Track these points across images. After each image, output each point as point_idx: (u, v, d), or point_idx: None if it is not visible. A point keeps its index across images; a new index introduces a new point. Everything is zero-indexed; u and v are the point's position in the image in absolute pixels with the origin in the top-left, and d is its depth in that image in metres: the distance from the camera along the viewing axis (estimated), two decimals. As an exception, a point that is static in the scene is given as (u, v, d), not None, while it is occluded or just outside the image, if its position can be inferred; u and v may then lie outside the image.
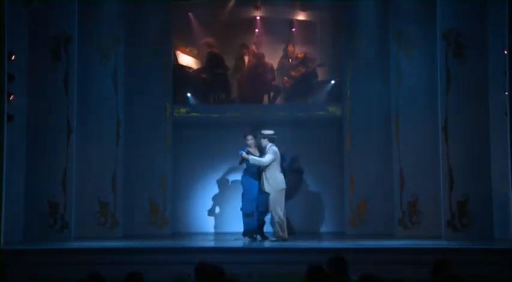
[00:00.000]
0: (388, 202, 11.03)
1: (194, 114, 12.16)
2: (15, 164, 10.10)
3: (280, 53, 12.67)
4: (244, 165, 10.32)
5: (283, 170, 10.25)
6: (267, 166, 10.01)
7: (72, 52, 10.61)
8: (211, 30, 12.45)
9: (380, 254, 8.82)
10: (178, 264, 8.04)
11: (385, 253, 8.87)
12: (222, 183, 12.09)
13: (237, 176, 10.66)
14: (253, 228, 10.18)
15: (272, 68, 12.45)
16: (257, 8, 12.48)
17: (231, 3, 12.32)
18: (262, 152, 10.26)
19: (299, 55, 12.39)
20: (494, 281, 7.92)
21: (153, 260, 8.63)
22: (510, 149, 9.09)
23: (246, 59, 12.58)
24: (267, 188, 10.01)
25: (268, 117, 11.82)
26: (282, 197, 10.06)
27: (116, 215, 11.04)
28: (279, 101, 12.59)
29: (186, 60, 12.88)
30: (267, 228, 10.60)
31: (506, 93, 9.20)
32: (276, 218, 10.01)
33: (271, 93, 12.59)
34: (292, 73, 12.39)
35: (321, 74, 12.47)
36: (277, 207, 9.97)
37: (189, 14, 12.43)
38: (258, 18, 12.59)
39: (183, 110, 12.07)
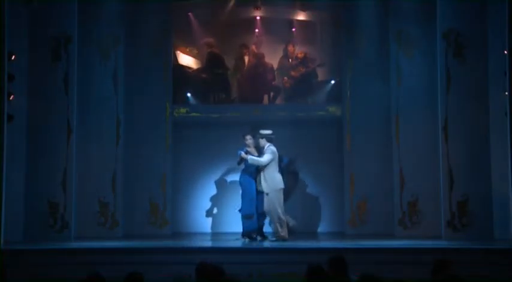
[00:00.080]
0: (388, 202, 11.03)
1: (194, 114, 12.16)
2: (15, 164, 10.10)
3: (280, 53, 12.67)
4: (242, 166, 10.32)
5: (281, 170, 10.25)
6: (265, 166, 10.01)
7: (72, 52, 10.62)
8: (211, 30, 12.44)
9: (380, 254, 8.82)
10: (178, 264, 8.04)
11: (385, 253, 8.88)
12: (222, 183, 12.09)
13: (237, 176, 10.64)
14: (253, 230, 10.18)
15: (272, 68, 12.45)
16: (257, 8, 12.47)
17: (231, 3, 12.31)
18: (260, 152, 10.27)
19: (299, 55, 12.39)
20: (494, 281, 7.92)
21: (153, 260, 8.63)
22: (510, 149, 9.10)
23: (246, 59, 12.57)
24: (264, 187, 10.01)
25: (268, 117, 11.82)
26: (281, 197, 10.06)
27: (116, 215, 11.04)
28: (279, 101, 12.59)
29: (186, 60, 12.88)
30: (266, 228, 10.60)
31: (506, 93, 9.20)
32: (276, 218, 10.01)
33: (271, 93, 12.59)
34: (292, 73, 12.39)
35: (321, 74, 12.47)
36: (277, 207, 9.97)
37: (189, 14, 12.43)
38: (258, 18, 12.58)
39: (183, 110, 12.07)
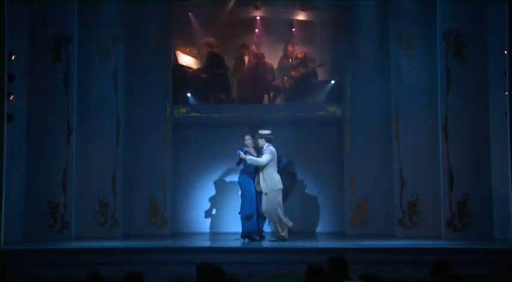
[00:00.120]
0: (388, 202, 11.03)
1: (194, 114, 12.16)
2: (15, 164, 10.10)
3: (280, 53, 12.66)
4: (241, 166, 10.31)
5: (279, 171, 10.24)
6: (264, 166, 10.01)
7: (72, 52, 10.62)
8: (211, 30, 12.44)
9: (380, 254, 8.82)
10: (178, 264, 8.06)
11: (385, 253, 8.88)
12: (222, 183, 12.08)
13: (237, 177, 10.63)
14: (253, 231, 10.17)
15: (272, 68, 12.45)
16: (257, 8, 12.47)
17: (231, 3, 12.31)
18: (259, 152, 10.26)
19: (299, 55, 12.40)
20: (494, 281, 7.93)
21: (153, 260, 8.63)
22: (510, 149, 9.09)
23: (246, 59, 12.57)
24: (263, 187, 10.00)
25: (268, 117, 11.82)
26: (280, 197, 10.06)
27: (116, 215, 11.05)
28: (279, 101, 12.58)
29: (186, 60, 12.88)
30: (265, 228, 10.60)
31: (506, 93, 9.20)
32: (276, 218, 10.00)
33: (271, 93, 12.59)
34: (292, 73, 12.39)
35: (321, 74, 12.47)
36: (277, 207, 9.97)
37: (189, 14, 12.43)
38: (258, 18, 12.58)
39: (183, 110, 12.07)
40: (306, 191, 11.97)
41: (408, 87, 10.94)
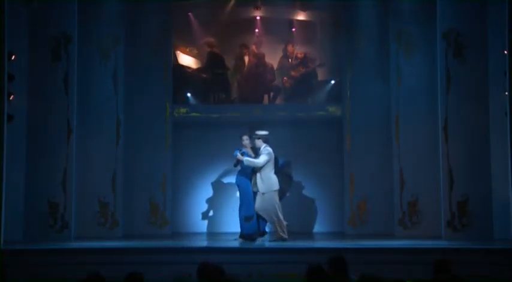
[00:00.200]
0: (388, 202, 11.03)
1: (194, 114, 12.16)
2: (15, 164, 10.10)
3: (280, 53, 12.67)
4: (239, 167, 10.29)
5: (276, 172, 10.22)
6: (261, 167, 9.99)
7: (72, 52, 10.62)
8: (211, 30, 12.44)
9: (380, 254, 8.81)
10: (178, 264, 8.03)
11: (385, 253, 8.87)
12: (222, 183, 12.09)
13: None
14: (254, 232, 10.15)
15: (272, 68, 12.46)
16: (257, 8, 12.47)
17: (231, 3, 12.31)
18: (256, 153, 10.24)
19: (299, 55, 12.40)
20: (494, 281, 7.92)
21: (153, 260, 8.62)
22: (510, 149, 9.09)
23: (246, 59, 12.58)
24: (260, 188, 9.97)
25: (268, 117, 11.83)
26: (277, 197, 10.03)
27: (116, 215, 11.05)
28: (279, 101, 12.59)
29: (186, 60, 12.88)
30: (267, 228, 10.60)
31: (506, 93, 9.20)
32: (275, 219, 9.99)
33: (271, 93, 12.60)
34: (292, 73, 12.40)
35: (321, 74, 12.47)
36: (276, 207, 9.95)
37: (189, 14, 12.43)
38: (258, 18, 12.58)
39: (183, 110, 12.07)
40: (306, 191, 11.97)
41: (408, 87, 10.94)
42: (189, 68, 12.77)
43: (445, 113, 10.31)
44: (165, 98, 11.69)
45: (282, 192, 10.29)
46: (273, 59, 12.54)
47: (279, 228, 9.99)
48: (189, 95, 12.38)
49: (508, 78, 9.08)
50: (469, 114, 10.23)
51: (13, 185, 9.90)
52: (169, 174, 11.58)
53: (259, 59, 12.36)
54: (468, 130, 10.24)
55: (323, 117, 11.98)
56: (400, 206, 10.85)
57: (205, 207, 12.10)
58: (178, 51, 12.64)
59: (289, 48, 12.54)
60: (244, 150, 10.24)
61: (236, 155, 10.09)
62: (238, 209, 10.29)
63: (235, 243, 10.04)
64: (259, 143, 10.21)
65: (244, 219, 10.15)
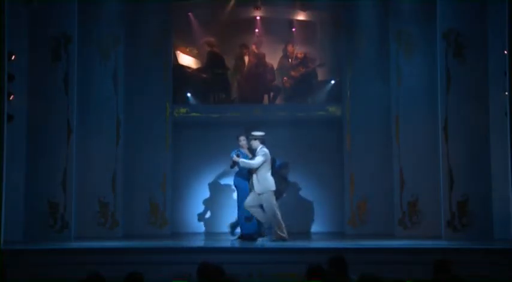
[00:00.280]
0: (388, 202, 11.03)
1: (194, 114, 12.16)
2: (15, 164, 10.10)
3: (280, 53, 12.67)
4: (236, 168, 10.28)
5: (272, 173, 10.20)
6: (257, 168, 9.97)
7: (72, 52, 10.61)
8: (211, 30, 12.44)
9: (380, 254, 8.81)
10: (178, 264, 8.04)
11: (385, 253, 8.87)
12: (222, 183, 12.08)
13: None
14: (254, 232, 10.15)
15: (272, 68, 12.46)
16: (257, 8, 12.47)
17: (231, 3, 12.31)
18: (253, 154, 10.23)
19: (299, 55, 12.41)
20: (494, 281, 7.92)
21: (153, 260, 8.62)
22: (510, 149, 9.09)
23: (246, 59, 12.58)
24: (257, 188, 9.95)
25: (268, 117, 11.83)
26: (273, 198, 10.02)
27: (116, 215, 11.05)
28: (279, 101, 12.59)
29: (186, 60, 12.88)
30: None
31: (506, 93, 9.20)
32: (273, 219, 9.96)
33: (271, 93, 12.60)
34: (292, 73, 12.40)
35: (321, 74, 12.48)
36: (274, 208, 9.94)
37: (189, 14, 12.43)
38: (258, 18, 12.58)
39: (183, 110, 12.07)
40: (306, 191, 11.96)
41: (408, 87, 10.94)
42: (189, 68, 12.78)
43: (445, 113, 10.30)
44: (165, 98, 11.69)
45: (278, 193, 10.30)
46: (273, 59, 12.54)
47: (278, 229, 9.99)
48: (189, 95, 12.38)
49: (508, 78, 9.08)
50: (469, 114, 10.23)
51: (13, 185, 9.90)
52: (169, 174, 11.58)
53: (259, 59, 12.37)
54: (468, 130, 10.23)
55: (323, 117, 11.98)
56: (400, 206, 10.85)
57: (205, 207, 12.10)
58: (178, 51, 12.64)
59: (289, 48, 12.54)
60: (241, 150, 10.24)
61: (232, 157, 10.08)
62: (236, 209, 10.30)
63: (235, 243, 10.04)
64: (255, 144, 10.18)
65: (244, 219, 10.16)
